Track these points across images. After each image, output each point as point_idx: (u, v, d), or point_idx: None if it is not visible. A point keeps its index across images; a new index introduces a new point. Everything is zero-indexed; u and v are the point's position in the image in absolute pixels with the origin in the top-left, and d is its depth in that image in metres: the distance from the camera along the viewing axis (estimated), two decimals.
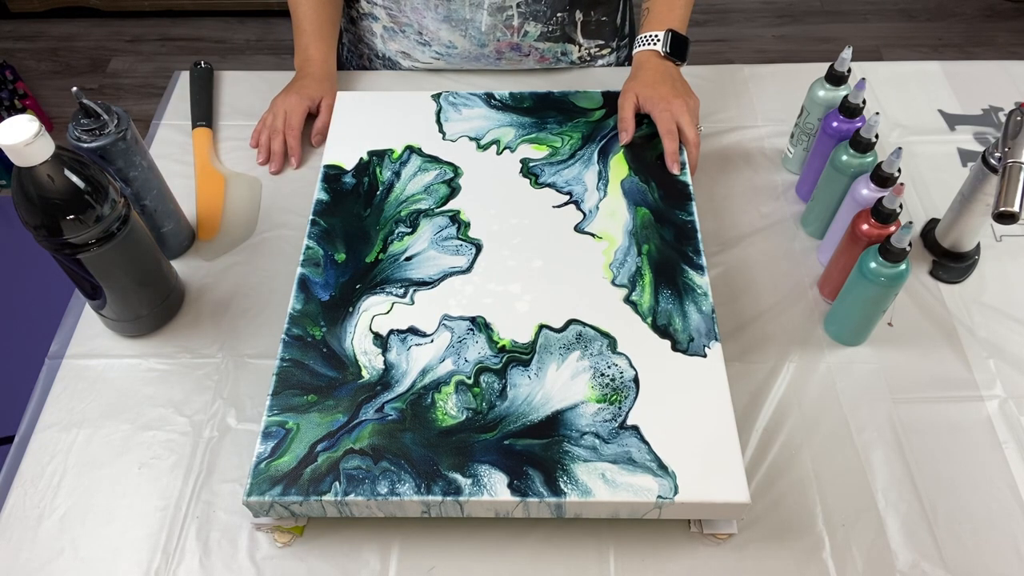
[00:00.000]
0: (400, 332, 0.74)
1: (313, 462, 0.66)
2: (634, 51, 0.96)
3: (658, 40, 0.93)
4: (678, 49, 0.93)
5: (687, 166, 0.87)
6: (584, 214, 0.83)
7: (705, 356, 0.72)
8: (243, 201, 0.93)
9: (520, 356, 0.72)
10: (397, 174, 0.87)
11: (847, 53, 0.85)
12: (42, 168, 0.65)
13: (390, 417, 0.68)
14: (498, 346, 0.73)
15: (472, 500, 0.64)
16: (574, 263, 0.79)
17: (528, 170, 0.87)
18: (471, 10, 0.98)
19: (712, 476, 0.65)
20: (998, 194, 0.71)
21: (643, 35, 0.95)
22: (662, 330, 0.74)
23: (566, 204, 0.84)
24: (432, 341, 0.73)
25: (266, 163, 0.97)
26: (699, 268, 0.78)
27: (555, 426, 0.67)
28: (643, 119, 0.91)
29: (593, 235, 0.81)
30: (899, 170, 0.76)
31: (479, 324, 0.74)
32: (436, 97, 0.95)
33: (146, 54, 2.37)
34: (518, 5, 0.98)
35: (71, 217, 0.67)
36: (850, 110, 0.83)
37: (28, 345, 1.18)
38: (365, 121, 0.93)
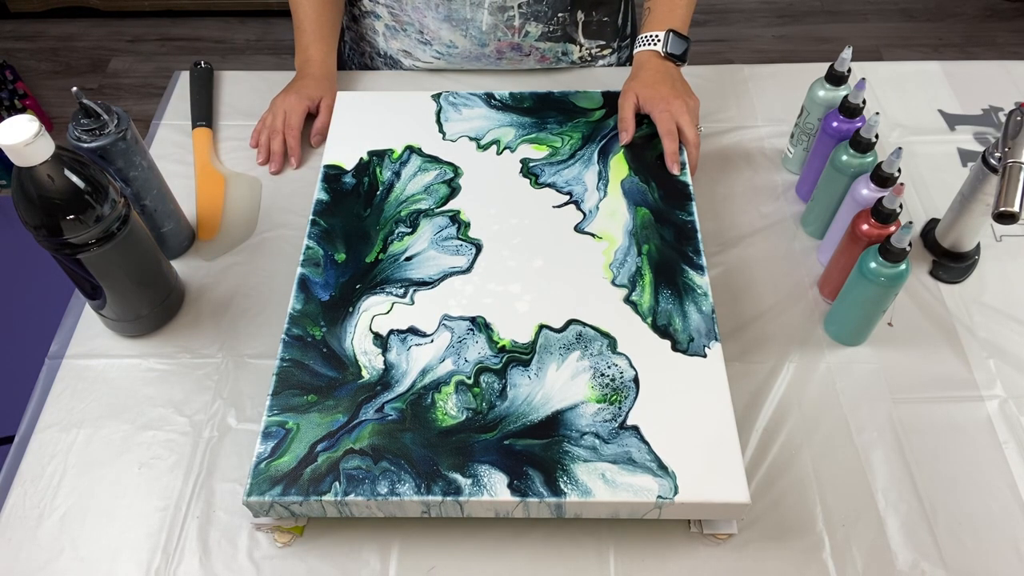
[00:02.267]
0: (400, 332, 0.74)
1: (313, 462, 0.66)
2: (635, 51, 0.96)
3: (658, 40, 0.93)
4: (679, 49, 0.93)
5: (687, 166, 0.87)
6: (584, 214, 0.83)
7: (705, 356, 0.72)
8: (243, 201, 0.93)
9: (520, 356, 0.72)
10: (397, 174, 0.87)
11: (847, 53, 0.85)
12: (42, 168, 0.65)
13: (390, 417, 0.68)
14: (498, 346, 0.73)
15: (472, 500, 0.64)
16: (574, 263, 0.79)
17: (528, 170, 0.87)
18: (472, 10, 0.98)
19: (712, 476, 0.65)
20: (998, 194, 0.71)
21: (644, 35, 0.95)
22: (662, 330, 0.74)
23: (566, 204, 0.84)
24: (432, 341, 0.73)
25: (266, 163, 0.97)
26: (699, 268, 0.78)
27: (555, 426, 0.67)
28: (643, 119, 0.91)
29: (593, 235, 0.81)
30: (899, 170, 0.76)
31: (479, 324, 0.74)
32: (436, 97, 0.95)
33: (146, 54, 2.37)
34: (519, 5, 0.98)
35: (71, 217, 0.67)
36: (850, 110, 0.83)
37: (28, 345, 1.18)
38: (365, 121, 0.93)
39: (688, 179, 0.86)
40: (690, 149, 0.88)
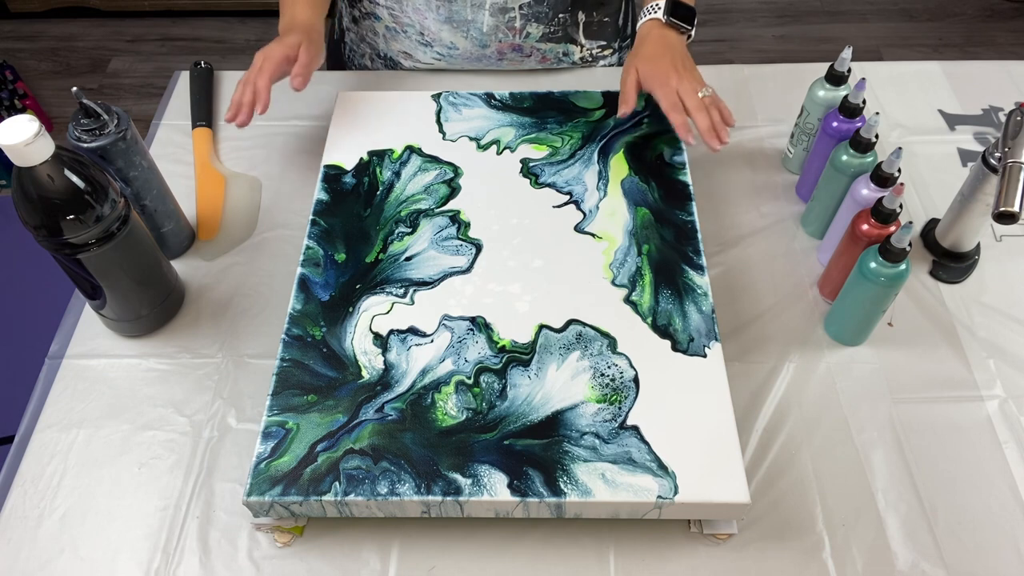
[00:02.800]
0: (400, 332, 0.74)
1: (313, 462, 0.66)
2: (638, 24, 0.93)
3: (659, 7, 0.90)
4: (682, 15, 0.89)
5: (699, 137, 0.83)
6: (584, 214, 0.83)
7: (705, 356, 0.72)
8: (243, 201, 0.93)
9: (520, 356, 0.72)
10: (397, 174, 0.87)
11: (847, 53, 0.85)
12: (42, 168, 0.65)
13: (390, 417, 0.68)
14: (498, 346, 0.73)
15: (472, 500, 0.64)
16: (574, 263, 0.79)
17: (528, 170, 0.87)
18: (473, 11, 0.98)
19: (712, 476, 0.65)
20: (998, 194, 0.71)
21: (647, 6, 0.92)
22: (662, 330, 0.74)
23: (566, 204, 0.84)
24: (432, 341, 0.73)
25: (233, 119, 0.84)
26: (699, 268, 0.78)
27: (555, 426, 0.67)
28: (644, 117, 0.90)
29: (593, 235, 0.81)
30: (899, 170, 0.76)
31: (479, 324, 0.74)
32: (436, 97, 0.95)
33: (146, 54, 2.37)
34: (520, 7, 0.98)
35: (71, 217, 0.67)
36: (850, 110, 0.83)
37: (28, 345, 1.18)
38: (365, 121, 0.92)
39: (688, 179, 0.86)
40: (695, 116, 0.83)
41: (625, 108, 0.88)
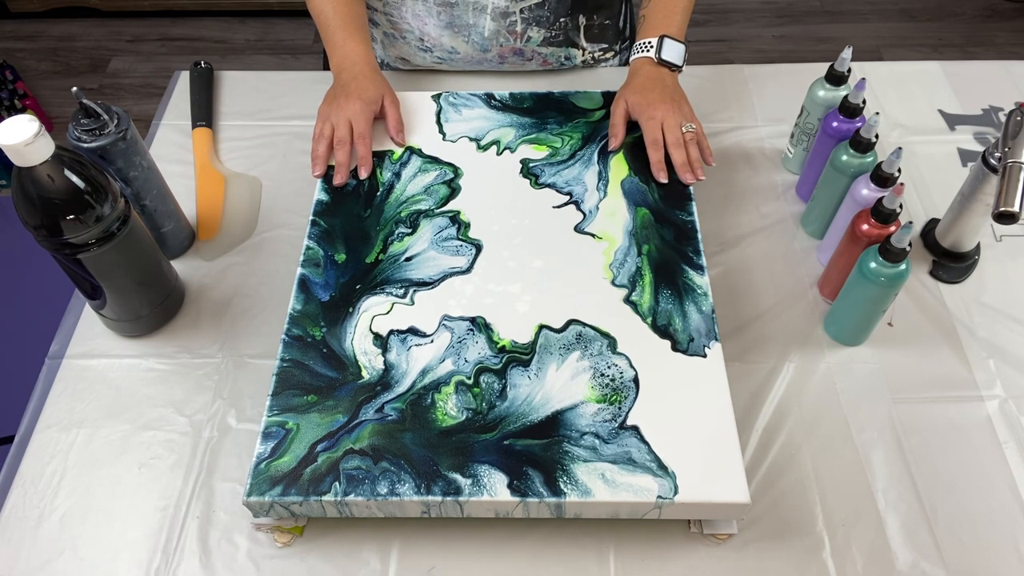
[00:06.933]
0: (400, 332, 0.74)
1: (313, 462, 0.66)
2: (630, 59, 0.94)
3: (652, 47, 0.91)
4: (673, 55, 0.91)
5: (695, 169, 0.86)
6: (584, 214, 0.83)
7: (705, 356, 0.72)
8: (243, 201, 0.93)
9: (520, 356, 0.72)
10: (397, 175, 0.87)
11: (847, 53, 0.85)
12: (42, 168, 0.65)
13: (390, 417, 0.68)
14: (498, 346, 0.73)
15: (472, 500, 0.64)
16: (574, 263, 0.79)
17: (528, 170, 0.87)
18: (474, 15, 0.98)
19: (712, 476, 0.65)
20: (998, 194, 0.71)
21: (639, 43, 0.93)
22: (662, 330, 0.74)
23: (566, 204, 0.84)
24: (432, 341, 0.73)
25: (321, 175, 0.87)
26: (699, 268, 0.78)
27: (555, 426, 0.67)
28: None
29: (593, 235, 0.81)
30: (899, 170, 0.76)
31: (479, 324, 0.74)
32: (436, 98, 0.95)
33: (146, 54, 2.37)
34: (521, 11, 0.98)
35: (71, 217, 0.67)
36: (850, 110, 0.83)
37: (28, 345, 1.18)
38: None
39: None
40: (671, 151, 0.86)
41: (615, 142, 0.88)
